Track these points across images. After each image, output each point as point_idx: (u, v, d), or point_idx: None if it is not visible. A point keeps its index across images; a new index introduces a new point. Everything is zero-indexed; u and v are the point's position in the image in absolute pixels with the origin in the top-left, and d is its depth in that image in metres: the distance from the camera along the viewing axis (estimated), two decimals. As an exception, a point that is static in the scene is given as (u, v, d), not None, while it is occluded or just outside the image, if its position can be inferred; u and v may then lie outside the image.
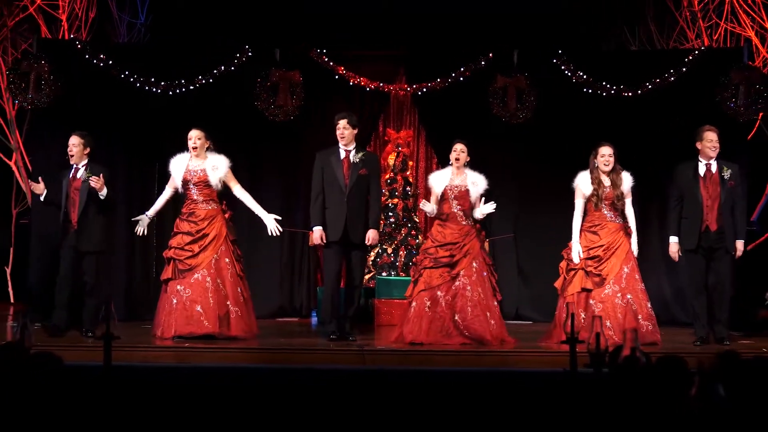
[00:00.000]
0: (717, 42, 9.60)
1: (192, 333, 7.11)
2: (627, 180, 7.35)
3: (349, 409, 4.61)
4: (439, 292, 7.17)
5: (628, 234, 7.32)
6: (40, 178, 7.54)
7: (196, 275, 7.22)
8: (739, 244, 7.31)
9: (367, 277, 9.32)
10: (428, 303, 7.17)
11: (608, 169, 7.30)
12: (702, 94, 8.75)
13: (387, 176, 9.78)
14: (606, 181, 7.32)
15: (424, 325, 7.13)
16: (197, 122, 7.59)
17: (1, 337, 6.81)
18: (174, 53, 9.26)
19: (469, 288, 7.16)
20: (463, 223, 7.32)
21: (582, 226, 7.37)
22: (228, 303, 7.27)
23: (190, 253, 7.26)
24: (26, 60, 8.58)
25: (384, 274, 9.52)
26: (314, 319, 9.33)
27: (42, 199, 7.54)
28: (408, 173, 9.99)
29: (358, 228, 7.32)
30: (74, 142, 7.42)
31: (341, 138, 7.39)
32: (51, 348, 3.79)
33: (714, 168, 7.29)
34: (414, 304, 7.23)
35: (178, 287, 7.24)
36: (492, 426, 4.23)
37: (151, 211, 7.59)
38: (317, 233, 7.35)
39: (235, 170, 7.56)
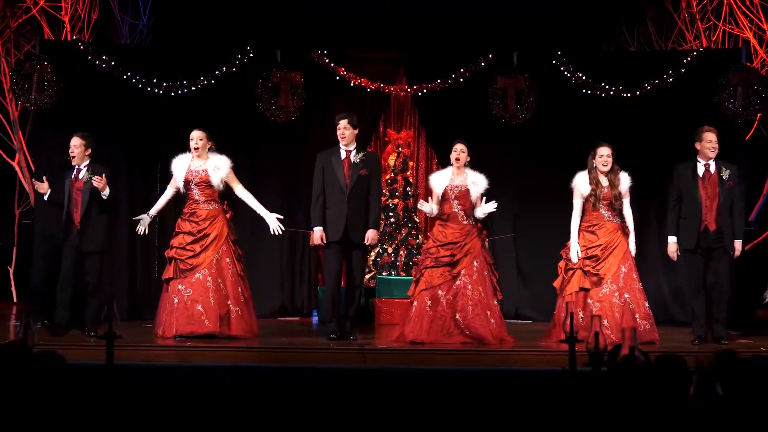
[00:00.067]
0: (715, 43, 9.63)
1: (193, 332, 7.13)
2: (625, 180, 7.37)
3: (350, 408, 4.62)
4: (440, 292, 7.19)
5: (626, 234, 7.34)
6: (44, 177, 7.57)
7: (197, 275, 7.25)
8: (738, 244, 7.32)
9: (367, 276, 9.35)
10: (429, 302, 7.19)
11: (606, 169, 7.32)
12: (700, 95, 8.76)
13: (387, 176, 9.81)
14: (604, 181, 7.34)
15: (425, 325, 7.16)
16: (199, 123, 7.61)
17: (4, 337, 6.79)
18: (176, 54, 9.28)
19: (470, 287, 7.18)
20: (464, 222, 7.34)
21: (580, 225, 7.39)
22: (229, 303, 7.29)
23: (191, 253, 7.28)
24: (29, 61, 8.60)
25: (384, 273, 9.55)
26: (315, 319, 9.35)
27: (45, 198, 7.57)
28: (408, 173, 10.02)
29: (358, 228, 7.34)
30: (75, 143, 7.44)
31: (342, 138, 7.41)
32: (53, 347, 3.80)
33: (713, 168, 7.30)
34: (415, 303, 7.25)
35: (180, 287, 7.26)
36: (492, 425, 4.23)
37: (153, 211, 7.62)
38: (317, 234, 7.37)
39: (236, 170, 7.57)
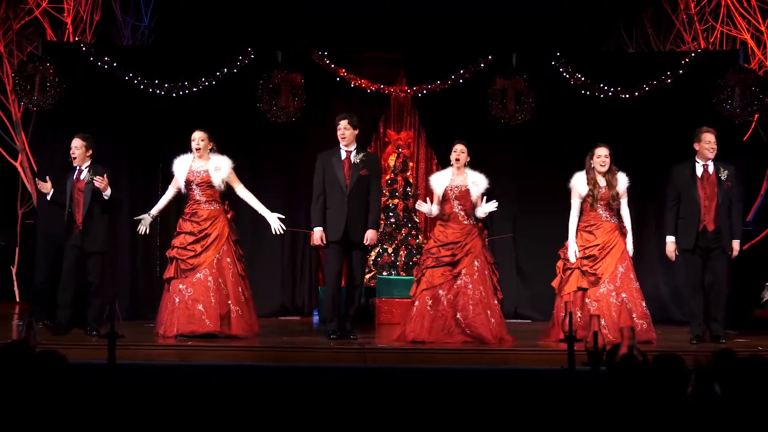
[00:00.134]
0: (713, 44, 9.65)
1: (194, 331, 7.16)
2: (622, 180, 7.39)
3: (350, 407, 4.64)
4: (441, 291, 7.22)
5: (624, 234, 7.37)
6: (47, 177, 7.60)
7: (198, 275, 7.27)
8: (735, 244, 7.35)
9: (367, 276, 9.38)
10: (430, 302, 7.22)
11: (604, 169, 7.35)
12: (698, 96, 8.79)
13: (387, 177, 9.84)
14: (602, 181, 7.36)
15: (426, 324, 7.18)
16: (200, 123, 7.64)
17: (6, 336, 6.82)
18: (177, 55, 9.30)
19: (470, 286, 7.20)
20: (465, 222, 7.37)
21: (578, 225, 7.42)
22: (229, 302, 7.31)
23: (192, 253, 7.31)
24: (31, 62, 8.63)
25: (384, 273, 9.58)
26: (315, 318, 9.36)
27: (48, 198, 7.60)
28: (408, 174, 10.05)
29: (358, 228, 7.36)
30: (76, 145, 7.47)
31: (342, 138, 7.43)
32: (56, 346, 3.82)
33: (711, 169, 7.32)
34: (416, 303, 7.27)
35: (181, 286, 7.29)
36: (492, 424, 4.25)
37: (154, 211, 7.63)
38: (317, 234, 7.40)
39: (236, 170, 7.59)
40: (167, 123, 9.10)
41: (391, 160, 9.99)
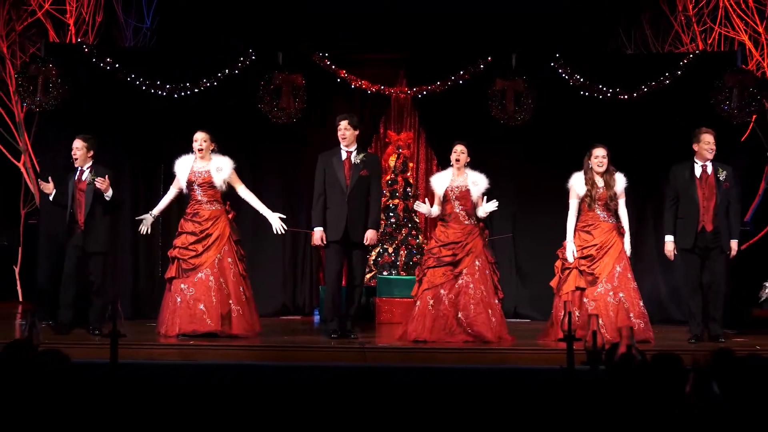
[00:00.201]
0: (711, 46, 9.67)
1: (195, 331, 7.19)
2: (620, 181, 7.41)
3: (351, 406, 4.66)
4: (442, 291, 7.24)
5: (621, 234, 7.39)
6: (49, 178, 7.62)
7: (199, 274, 7.30)
8: (734, 244, 7.38)
9: (368, 276, 9.41)
10: (431, 301, 7.24)
11: (602, 170, 7.38)
12: (697, 98, 8.79)
13: (388, 177, 9.86)
14: (599, 181, 7.39)
15: (427, 323, 7.21)
16: (201, 124, 7.67)
17: (9, 335, 6.87)
18: (178, 57, 9.33)
19: (471, 286, 7.23)
20: (466, 222, 7.39)
21: (576, 225, 7.45)
22: (230, 302, 7.33)
23: (193, 253, 7.34)
24: (34, 63, 8.66)
25: (385, 273, 9.60)
26: (316, 318, 9.37)
27: (51, 198, 7.63)
28: (408, 174, 10.07)
29: (358, 228, 7.39)
30: (78, 146, 7.50)
31: (342, 139, 7.46)
32: (58, 346, 3.85)
33: (710, 169, 7.34)
34: (418, 302, 7.30)
35: (182, 286, 7.32)
36: (492, 422, 4.27)
37: (155, 211, 7.66)
38: (317, 234, 7.43)
39: (237, 171, 7.61)
40: (169, 124, 9.12)
41: (392, 161, 10.01)
